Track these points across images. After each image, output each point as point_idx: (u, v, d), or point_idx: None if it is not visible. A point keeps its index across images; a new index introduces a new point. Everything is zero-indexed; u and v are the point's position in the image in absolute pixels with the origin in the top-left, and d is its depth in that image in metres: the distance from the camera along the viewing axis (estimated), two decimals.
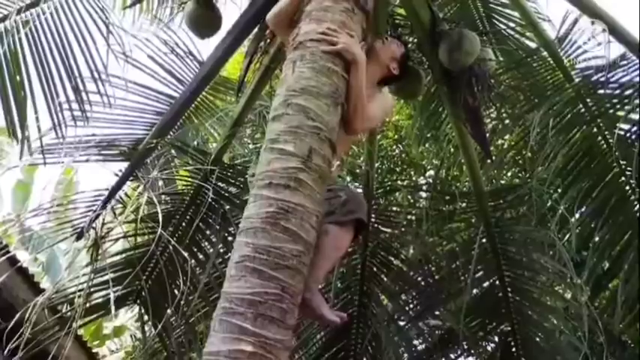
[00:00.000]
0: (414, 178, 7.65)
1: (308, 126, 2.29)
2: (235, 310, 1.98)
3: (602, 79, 3.86)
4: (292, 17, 2.63)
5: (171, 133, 4.41)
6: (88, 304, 3.97)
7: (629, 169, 3.98)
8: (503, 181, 5.67)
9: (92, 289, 3.99)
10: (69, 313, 3.89)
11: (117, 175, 4.04)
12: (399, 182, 6.55)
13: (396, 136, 8.07)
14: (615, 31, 3.79)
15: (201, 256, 4.46)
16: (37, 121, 3.59)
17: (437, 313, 4.60)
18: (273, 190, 2.18)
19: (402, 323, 4.56)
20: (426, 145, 6.71)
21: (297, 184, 2.19)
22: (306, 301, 2.22)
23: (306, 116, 2.30)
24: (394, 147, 8.21)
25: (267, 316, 1.97)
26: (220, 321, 2.00)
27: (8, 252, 3.88)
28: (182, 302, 4.09)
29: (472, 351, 4.74)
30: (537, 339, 4.15)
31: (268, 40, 3.81)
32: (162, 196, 4.16)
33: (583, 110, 4.13)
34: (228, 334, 1.95)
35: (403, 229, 4.62)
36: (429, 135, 5.60)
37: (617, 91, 3.94)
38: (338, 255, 2.65)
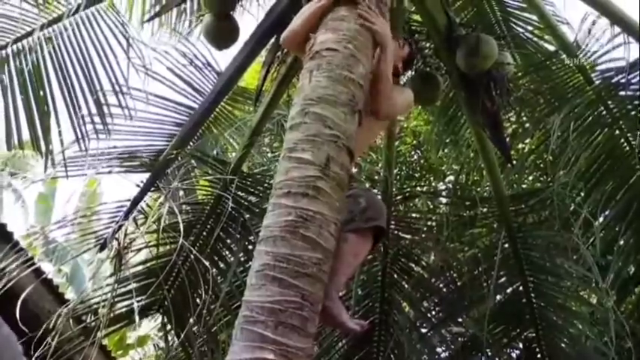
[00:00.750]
0: (433, 184, 7.59)
1: (325, 134, 2.29)
2: (256, 318, 1.99)
3: (623, 80, 3.81)
4: (307, 36, 2.65)
5: (190, 143, 4.46)
6: (111, 314, 4.02)
7: None
8: (524, 186, 5.60)
9: (116, 299, 4.03)
10: (93, 323, 3.94)
11: (138, 186, 4.09)
12: (417, 188, 6.50)
13: (414, 142, 8.04)
14: (634, 31, 3.74)
15: (222, 265, 4.49)
16: (60, 135, 3.65)
17: (459, 320, 4.55)
18: (292, 199, 2.19)
19: (424, 330, 4.51)
20: (445, 151, 6.68)
21: (316, 192, 2.19)
22: (326, 309, 2.22)
23: (324, 124, 2.31)
24: (412, 153, 8.18)
25: (287, 324, 1.98)
26: (242, 329, 2.01)
27: (33, 264, 3.93)
28: (204, 311, 4.12)
29: (496, 359, 4.69)
30: (563, 345, 4.08)
31: (285, 50, 3.84)
32: (183, 206, 4.21)
33: (604, 112, 4.08)
34: (250, 342, 1.96)
35: (424, 236, 4.59)
36: (447, 140, 5.58)
37: (639, 93, 3.88)
38: (357, 262, 2.65)
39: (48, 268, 5.65)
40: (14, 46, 3.83)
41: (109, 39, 3.80)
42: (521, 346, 4.38)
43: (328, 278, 2.19)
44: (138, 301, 3.96)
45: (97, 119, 3.83)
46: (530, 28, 4.98)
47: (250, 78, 5.96)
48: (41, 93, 3.70)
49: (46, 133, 3.66)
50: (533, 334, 4.17)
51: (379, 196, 4.57)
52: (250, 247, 4.28)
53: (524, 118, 4.67)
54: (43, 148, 3.74)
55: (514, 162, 4.77)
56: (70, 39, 3.73)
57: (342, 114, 2.35)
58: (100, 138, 3.91)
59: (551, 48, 4.64)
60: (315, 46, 2.54)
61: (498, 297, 4.44)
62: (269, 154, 5.28)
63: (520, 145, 5.83)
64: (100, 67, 3.77)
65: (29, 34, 3.81)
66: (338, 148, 2.29)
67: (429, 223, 4.62)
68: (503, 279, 4.34)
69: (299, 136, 2.32)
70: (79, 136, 3.80)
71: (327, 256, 2.17)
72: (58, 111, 3.86)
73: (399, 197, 4.86)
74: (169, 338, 4.73)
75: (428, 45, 4.44)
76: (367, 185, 5.23)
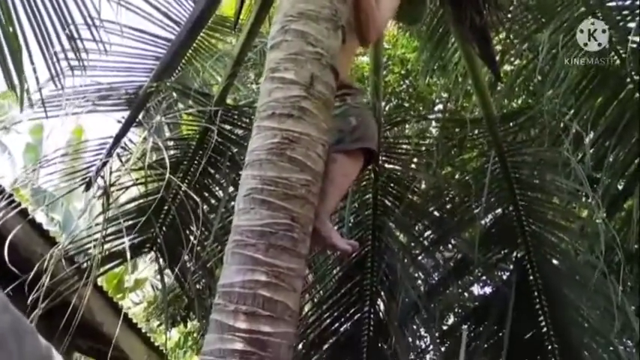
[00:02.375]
0: (422, 113, 7.52)
1: (308, 52, 2.20)
2: (247, 241, 1.97)
3: None
4: None
5: (172, 77, 4.33)
6: (105, 254, 4.01)
7: None
8: (512, 106, 5.54)
9: (107, 239, 4.02)
10: (86, 264, 3.94)
11: (120, 122, 4.00)
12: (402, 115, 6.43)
13: (402, 71, 7.90)
14: None
15: (213, 201, 4.46)
16: (35, 72, 3.51)
17: (451, 242, 4.59)
18: (277, 121, 2.13)
19: (417, 253, 4.55)
20: (434, 79, 6.57)
21: (301, 112, 2.13)
22: (317, 231, 2.20)
23: (306, 42, 2.22)
24: (401, 82, 8.06)
25: (278, 246, 1.96)
26: (232, 254, 1.99)
27: (20, 206, 3.88)
28: (197, 247, 4.13)
29: (488, 280, 4.77)
30: (554, 260, 4.14)
31: None
32: (169, 143, 4.13)
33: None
34: (241, 265, 1.95)
35: (415, 161, 4.56)
36: (435, 67, 5.47)
37: (628, 2, 3.76)
38: (347, 183, 2.61)
39: (39, 216, 5.59)
40: None
41: None
42: (511, 266, 4.42)
43: (318, 200, 2.16)
44: (130, 240, 3.94)
45: (71, 55, 3.67)
46: None
47: (229, 8, 5.74)
48: (11, 30, 3.52)
49: (20, 72, 3.51)
50: (523, 252, 4.22)
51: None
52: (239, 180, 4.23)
53: (512, 37, 4.57)
54: (18, 88, 3.60)
55: (503, 84, 4.71)
56: None
57: (324, 30, 2.25)
58: (77, 75, 3.77)
59: None
60: None
61: (490, 217, 4.47)
62: (253, 86, 5.16)
63: (508, 67, 5.73)
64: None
65: None
66: (322, 66, 2.21)
67: (419, 148, 4.58)
68: (493, 199, 4.33)
69: (281, 55, 2.23)
70: (54, 73, 3.65)
71: (315, 177, 2.13)
72: (30, 49, 3.69)
73: (388, 125, 4.80)
74: (166, 280, 4.77)
75: None
76: None
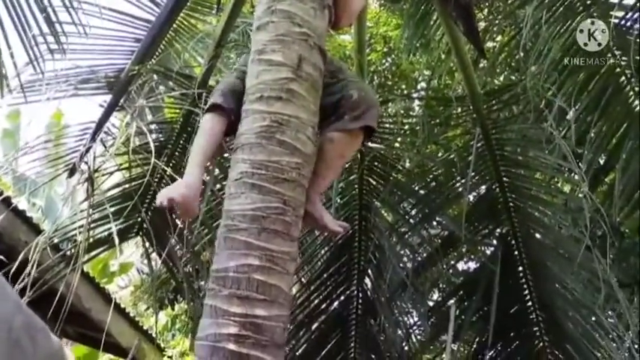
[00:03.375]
0: (405, 92, 7.52)
1: (295, 33, 2.19)
2: (239, 226, 1.97)
3: None
4: None
5: (152, 60, 4.26)
6: (91, 240, 3.98)
7: (624, 59, 3.90)
8: (495, 84, 5.56)
9: (93, 225, 3.98)
10: (72, 251, 3.90)
11: (102, 106, 3.93)
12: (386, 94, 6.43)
13: (385, 49, 7.87)
14: None
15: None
16: (12, 57, 3.43)
17: (437, 220, 4.63)
18: (265, 103, 2.12)
19: (404, 231, 4.58)
20: (417, 56, 6.55)
21: (290, 94, 2.12)
22: (308, 213, 2.19)
23: (293, 22, 2.20)
24: (384, 61, 8.03)
25: (271, 229, 1.96)
26: (225, 238, 1.99)
27: (2, 194, 3.82)
28: (185, 231, 4.10)
29: (473, 256, 4.83)
30: (538, 235, 4.20)
31: None
32: (152, 126, 4.08)
33: (575, 1, 3.99)
34: (234, 250, 1.94)
35: (400, 140, 4.57)
36: (418, 44, 5.45)
37: None
38: (342, 164, 2.55)
39: (21, 203, 5.50)
40: None
41: None
42: (495, 242, 4.47)
43: (310, 181, 2.15)
44: (116, 225, 3.91)
45: (50, 39, 3.58)
46: None
47: None
48: None
49: None
50: (508, 228, 4.27)
51: None
52: (225, 163, 4.20)
53: (495, 13, 4.57)
54: None
55: (487, 59, 4.72)
56: None
57: (311, 10, 2.24)
58: (56, 59, 3.68)
59: None
60: None
61: (474, 194, 4.50)
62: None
63: (491, 44, 5.74)
64: None
65: None
66: (309, 47, 2.20)
67: (403, 127, 4.58)
68: (477, 177, 4.36)
69: (267, 36, 2.20)
70: (33, 57, 3.57)
71: (305, 160, 2.12)
72: (7, 33, 3.60)
73: None
74: (153, 264, 4.74)
75: None
76: None
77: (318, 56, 2.23)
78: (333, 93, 2.31)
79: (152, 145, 3.49)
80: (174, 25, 4.39)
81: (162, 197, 2.08)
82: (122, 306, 6.20)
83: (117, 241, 3.50)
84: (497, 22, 4.49)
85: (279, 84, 2.13)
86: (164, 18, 4.02)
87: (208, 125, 2.32)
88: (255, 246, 1.93)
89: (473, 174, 4.14)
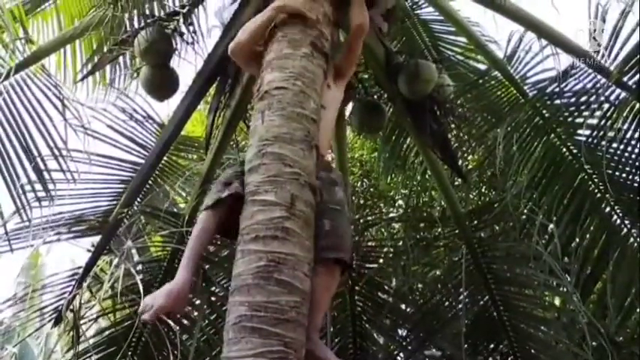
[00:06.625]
0: (384, 210, 7.65)
1: (287, 173, 2.26)
2: None
3: (556, 89, 3.98)
4: (252, 48, 2.71)
5: (139, 199, 4.30)
6: None
7: (595, 172, 4.08)
8: (474, 202, 5.71)
9: None
10: None
11: (89, 251, 3.89)
12: (370, 217, 6.52)
13: (360, 172, 8.11)
14: (561, 43, 3.93)
15: (186, 322, 4.30)
16: None
17: (433, 345, 4.50)
18: (261, 243, 2.13)
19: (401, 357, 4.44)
20: (393, 177, 6.75)
21: (285, 233, 2.15)
22: (309, 352, 2.13)
23: (283, 163, 2.28)
24: (361, 183, 8.24)
25: None
26: None
27: None
28: None
29: None
30: (534, 351, 4.10)
31: (229, 95, 3.80)
32: (139, 266, 4.03)
33: (541, 122, 4.24)
34: None
35: (388, 262, 4.57)
36: (395, 165, 5.64)
37: (572, 99, 4.06)
38: (329, 297, 2.54)
39: None
40: None
41: (42, 102, 3.65)
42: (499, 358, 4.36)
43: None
44: None
45: (38, 187, 3.63)
46: (459, 50, 5.18)
47: (191, 125, 5.88)
48: None
49: None
50: (506, 343, 4.18)
51: None
52: (214, 299, 4.12)
53: (466, 137, 4.80)
54: None
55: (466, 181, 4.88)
56: (2, 106, 3.56)
57: (300, 151, 2.33)
58: (43, 205, 3.70)
59: (483, 67, 4.82)
60: (263, 86, 2.53)
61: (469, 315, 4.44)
62: None
63: (460, 163, 5.96)
64: (36, 132, 3.61)
65: None
66: (300, 186, 2.26)
67: (390, 249, 4.61)
68: (470, 297, 4.34)
69: (259, 177, 2.27)
70: (20, 206, 3.59)
71: (304, 297, 2.11)
72: None
73: (357, 227, 4.83)
74: None
75: (367, 76, 4.52)
76: None
77: (309, 193, 2.29)
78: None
79: (141, 286, 3.42)
80: (160, 165, 4.50)
81: (146, 307, 2.21)
82: None
83: None
84: (468, 144, 4.70)
85: (274, 223, 2.16)
86: (153, 160, 4.12)
87: (203, 225, 2.38)
88: None
89: (466, 293, 4.13)
